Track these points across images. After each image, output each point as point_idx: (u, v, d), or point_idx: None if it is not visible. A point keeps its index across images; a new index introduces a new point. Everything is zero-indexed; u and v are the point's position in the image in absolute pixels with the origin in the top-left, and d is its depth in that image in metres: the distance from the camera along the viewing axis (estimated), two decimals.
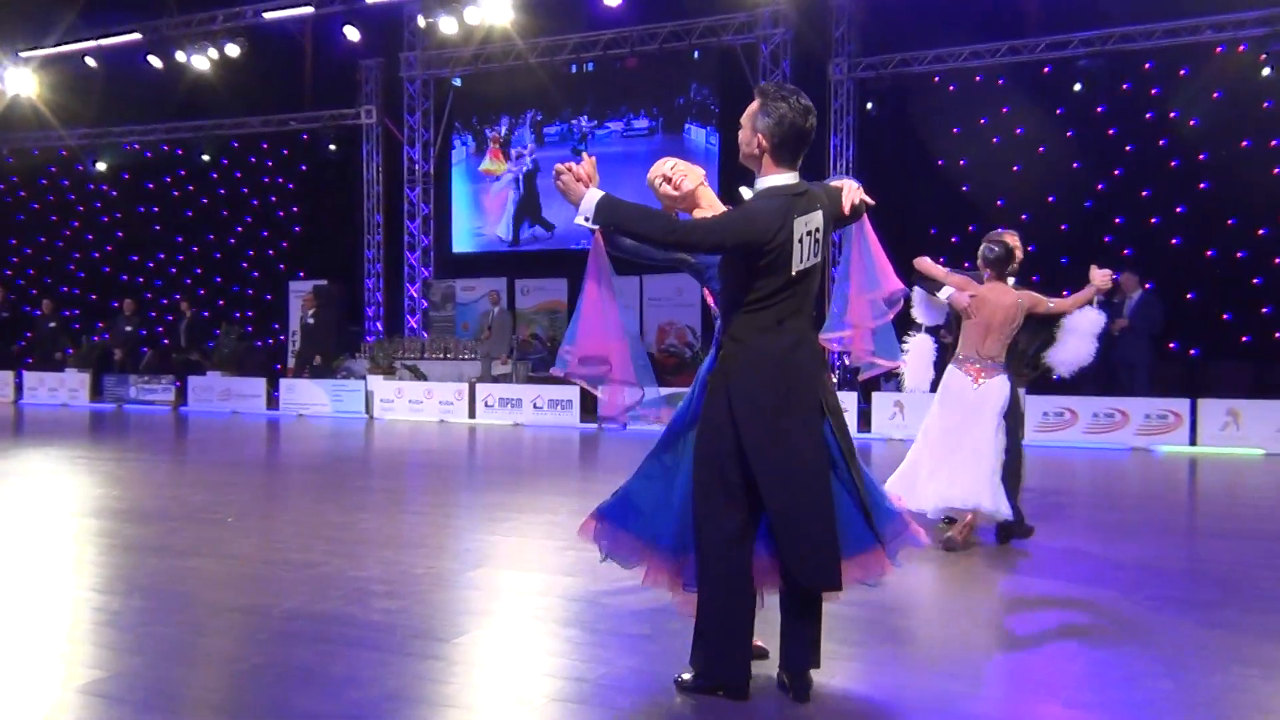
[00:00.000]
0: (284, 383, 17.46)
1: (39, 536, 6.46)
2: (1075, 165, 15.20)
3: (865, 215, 3.78)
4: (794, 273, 3.42)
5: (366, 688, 3.65)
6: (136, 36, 19.05)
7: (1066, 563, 5.92)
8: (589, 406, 14.73)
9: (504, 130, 19.33)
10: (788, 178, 3.49)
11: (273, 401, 17.48)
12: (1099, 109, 15.31)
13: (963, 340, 6.29)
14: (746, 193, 3.53)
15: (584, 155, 3.53)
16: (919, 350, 6.55)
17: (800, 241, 3.41)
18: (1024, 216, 15.21)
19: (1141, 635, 4.34)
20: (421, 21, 17.55)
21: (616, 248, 3.76)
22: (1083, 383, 13.50)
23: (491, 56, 18.50)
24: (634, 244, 3.72)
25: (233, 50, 18.20)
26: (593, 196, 3.44)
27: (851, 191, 3.67)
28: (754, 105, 3.52)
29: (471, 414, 15.59)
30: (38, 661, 3.95)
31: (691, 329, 16.87)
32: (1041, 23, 15.48)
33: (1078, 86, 15.08)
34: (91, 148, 22.00)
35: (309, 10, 18.20)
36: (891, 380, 14.46)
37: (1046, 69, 15.59)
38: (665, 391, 14.19)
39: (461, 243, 19.75)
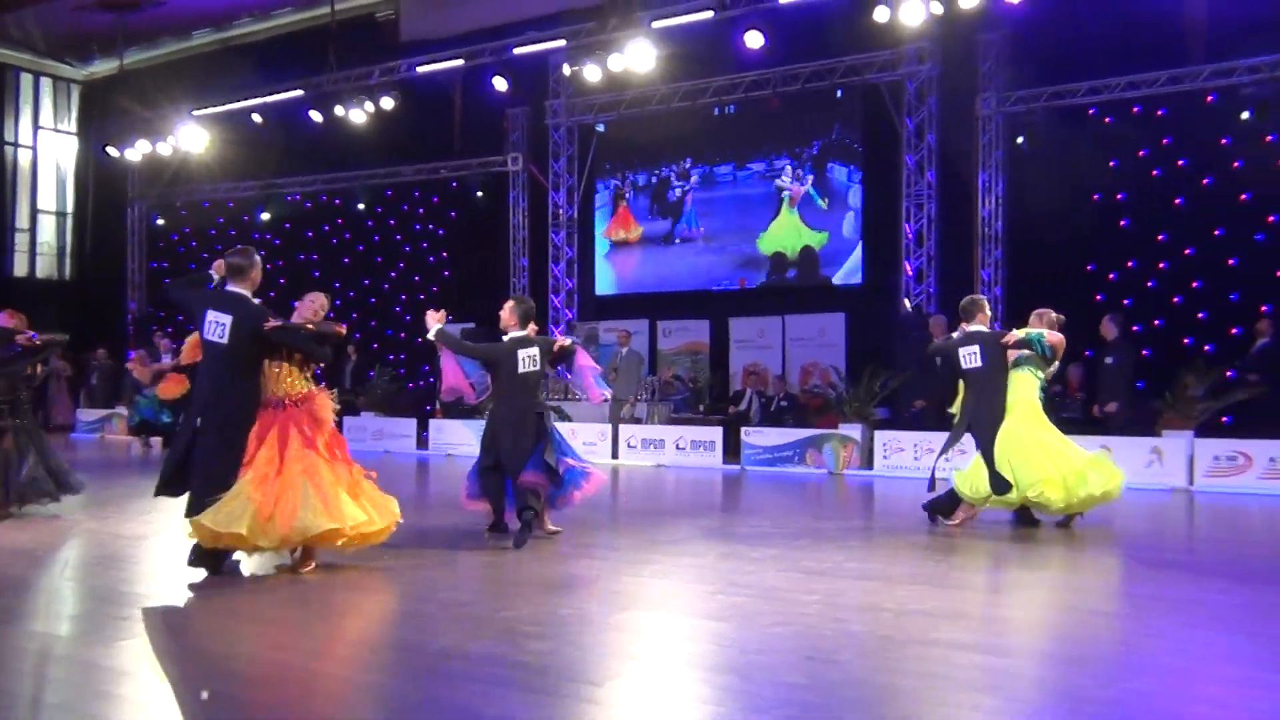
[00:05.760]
0: (433, 423, 17.91)
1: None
2: (1244, 197, 14.40)
3: (578, 351, 8.20)
4: (517, 374, 7.70)
5: None
6: (299, 93, 20.03)
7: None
8: (731, 448, 14.82)
9: (647, 180, 19.48)
10: (519, 333, 7.87)
11: (422, 441, 17.95)
12: (1269, 138, 14.50)
13: None
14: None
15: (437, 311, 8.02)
16: None
17: (522, 361, 7.71)
18: (1188, 251, 14.49)
19: None
20: (566, 70, 17.91)
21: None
22: (1258, 425, 12.79)
23: (634, 102, 18.73)
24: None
25: (387, 103, 18.96)
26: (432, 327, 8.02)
27: (558, 341, 8.02)
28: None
29: (614, 454, 15.67)
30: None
31: (836, 369, 16.06)
32: (1204, 50, 14.78)
33: (1245, 115, 14.30)
34: (257, 199, 23.11)
35: (460, 63, 18.84)
36: None
37: (1211, 98, 14.88)
38: (808, 434, 13.81)
39: (604, 285, 19.97)
